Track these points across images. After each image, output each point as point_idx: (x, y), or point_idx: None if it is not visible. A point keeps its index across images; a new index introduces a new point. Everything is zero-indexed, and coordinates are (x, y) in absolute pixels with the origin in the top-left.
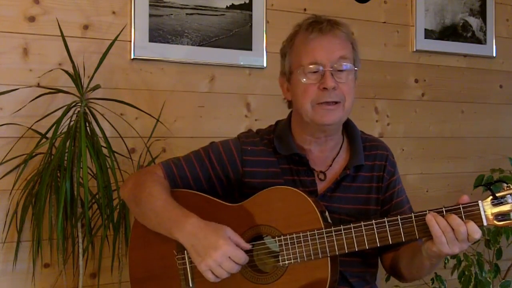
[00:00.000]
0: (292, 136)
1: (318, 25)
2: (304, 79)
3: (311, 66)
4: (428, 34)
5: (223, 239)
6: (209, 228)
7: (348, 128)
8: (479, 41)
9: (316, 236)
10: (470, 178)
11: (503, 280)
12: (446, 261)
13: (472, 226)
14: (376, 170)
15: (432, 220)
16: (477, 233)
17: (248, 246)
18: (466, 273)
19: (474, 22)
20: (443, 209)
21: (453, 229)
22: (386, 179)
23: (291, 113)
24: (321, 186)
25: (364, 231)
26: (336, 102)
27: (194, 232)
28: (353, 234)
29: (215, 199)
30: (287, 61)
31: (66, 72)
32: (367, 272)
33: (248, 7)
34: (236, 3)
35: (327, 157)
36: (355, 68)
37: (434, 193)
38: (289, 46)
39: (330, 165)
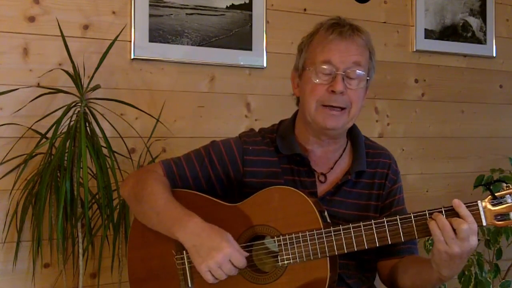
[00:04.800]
0: (295, 135)
1: (339, 27)
2: (315, 78)
3: (324, 66)
4: (428, 34)
5: (226, 241)
6: (212, 230)
7: (352, 132)
8: (479, 41)
9: (315, 236)
10: (470, 178)
11: (503, 280)
12: None
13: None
14: (378, 178)
15: (433, 223)
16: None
17: (246, 254)
18: (466, 273)
19: (474, 22)
20: (442, 209)
21: (453, 229)
22: (387, 187)
23: (296, 112)
24: (321, 189)
25: (363, 231)
26: (342, 108)
27: (197, 232)
28: (352, 234)
29: (214, 199)
30: (302, 56)
31: (66, 72)
32: (364, 275)
33: (248, 7)
34: (236, 3)
35: (330, 159)
36: (367, 77)
37: (434, 193)
38: (307, 42)
39: (332, 168)
